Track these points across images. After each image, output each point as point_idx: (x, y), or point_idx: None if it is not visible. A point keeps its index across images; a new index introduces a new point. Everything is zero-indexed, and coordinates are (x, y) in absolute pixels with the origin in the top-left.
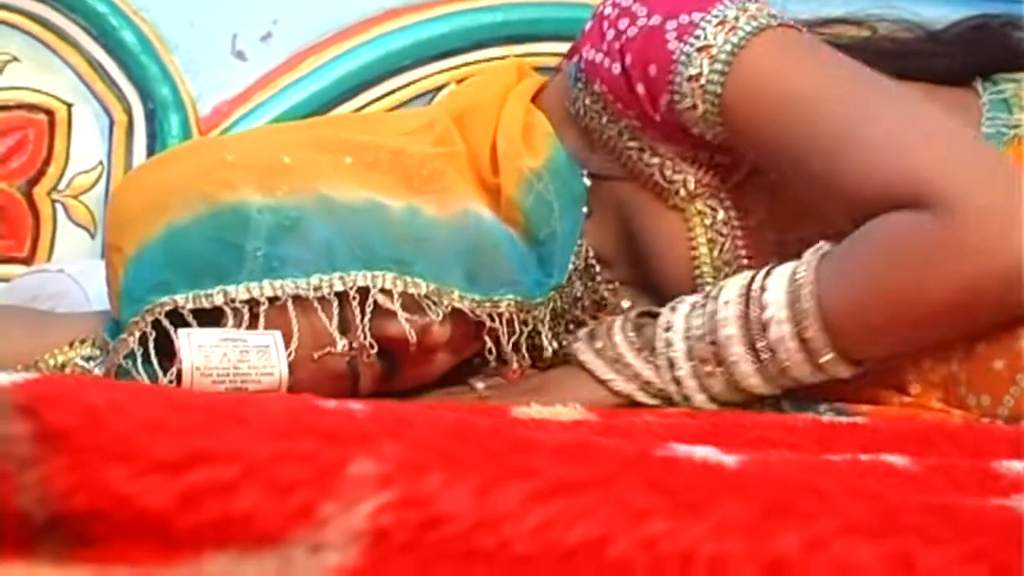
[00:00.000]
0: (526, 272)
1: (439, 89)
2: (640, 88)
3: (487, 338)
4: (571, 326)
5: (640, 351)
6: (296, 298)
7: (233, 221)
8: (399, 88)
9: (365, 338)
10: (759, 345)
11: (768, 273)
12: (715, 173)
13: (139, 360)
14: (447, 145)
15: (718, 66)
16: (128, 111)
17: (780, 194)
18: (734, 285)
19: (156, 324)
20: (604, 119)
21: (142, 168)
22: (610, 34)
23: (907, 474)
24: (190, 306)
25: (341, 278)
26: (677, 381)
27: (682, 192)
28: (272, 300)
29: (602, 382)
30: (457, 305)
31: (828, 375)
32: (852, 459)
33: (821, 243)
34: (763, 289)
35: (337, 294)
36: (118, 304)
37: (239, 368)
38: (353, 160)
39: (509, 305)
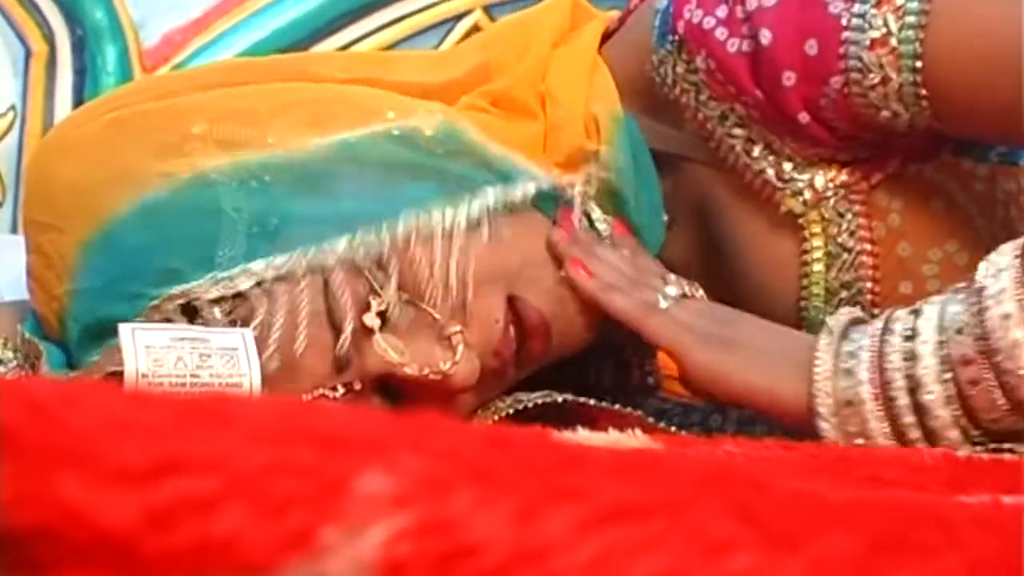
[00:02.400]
0: None
1: (460, 17)
2: (789, 78)
3: None
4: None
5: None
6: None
7: (209, 204)
8: (408, 15)
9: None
10: None
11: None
12: (855, 171)
13: None
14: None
15: (912, 19)
16: (49, 39)
17: (921, 195)
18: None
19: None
20: (703, 96)
21: (80, 123)
22: None
23: None
24: (212, 295)
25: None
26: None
27: (806, 195)
28: (313, 271)
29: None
30: None
31: None
32: (992, 502)
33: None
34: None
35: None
36: (62, 301)
37: (198, 376)
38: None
39: None
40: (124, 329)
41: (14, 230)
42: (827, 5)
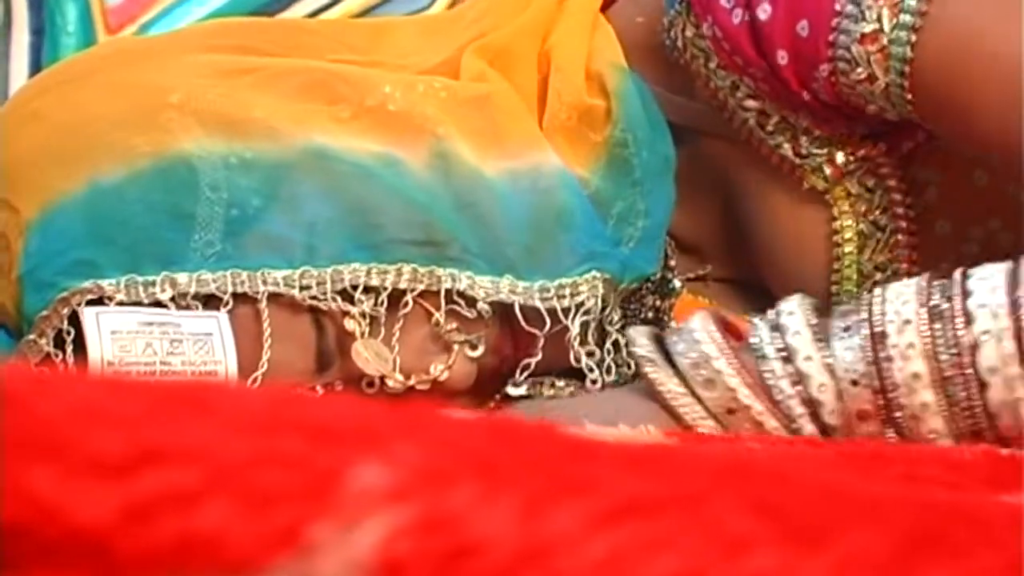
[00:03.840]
0: (605, 241)
1: None
2: (782, 56)
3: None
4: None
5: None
6: (274, 297)
7: (184, 181)
8: None
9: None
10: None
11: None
12: (878, 143)
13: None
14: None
15: (907, 19)
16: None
17: (961, 168)
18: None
19: (74, 319)
20: (713, 64)
21: (40, 91)
22: None
23: None
24: (121, 297)
25: (336, 272)
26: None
27: (826, 170)
28: (238, 298)
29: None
30: (511, 300)
31: None
32: None
33: None
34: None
35: (336, 293)
36: (16, 287)
37: (169, 363)
38: (353, 110)
39: (593, 284)
40: (88, 313)
41: None
42: None
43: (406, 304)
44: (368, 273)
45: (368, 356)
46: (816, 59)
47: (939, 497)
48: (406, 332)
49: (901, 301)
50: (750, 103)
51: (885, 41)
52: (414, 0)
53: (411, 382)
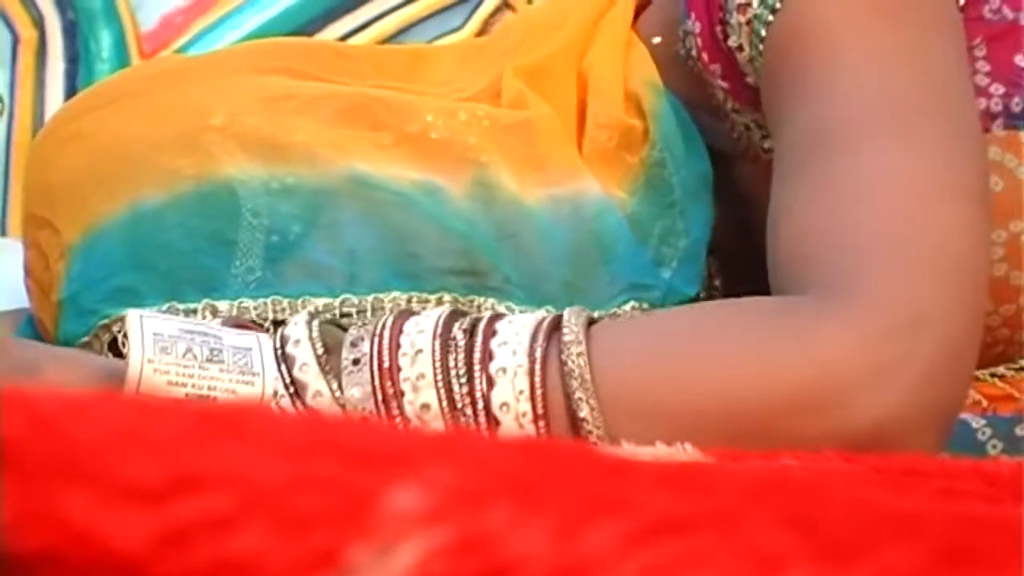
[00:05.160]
0: (647, 271)
1: None
2: (693, 21)
3: None
4: None
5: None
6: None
7: (226, 207)
8: None
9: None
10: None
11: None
12: None
13: None
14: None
15: None
16: (39, 24)
17: None
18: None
19: (113, 345)
20: (702, 69)
21: (82, 111)
22: None
23: None
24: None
25: (377, 300)
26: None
27: None
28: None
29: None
30: None
31: None
32: None
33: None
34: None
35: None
36: (56, 310)
37: (207, 369)
38: (394, 137)
39: (632, 315)
40: (132, 315)
41: (3, 231)
42: None
43: None
44: (408, 301)
45: None
46: (712, 22)
47: (975, 511)
48: None
49: (418, 330)
50: (734, 114)
51: (751, 13)
52: (447, 21)
53: None
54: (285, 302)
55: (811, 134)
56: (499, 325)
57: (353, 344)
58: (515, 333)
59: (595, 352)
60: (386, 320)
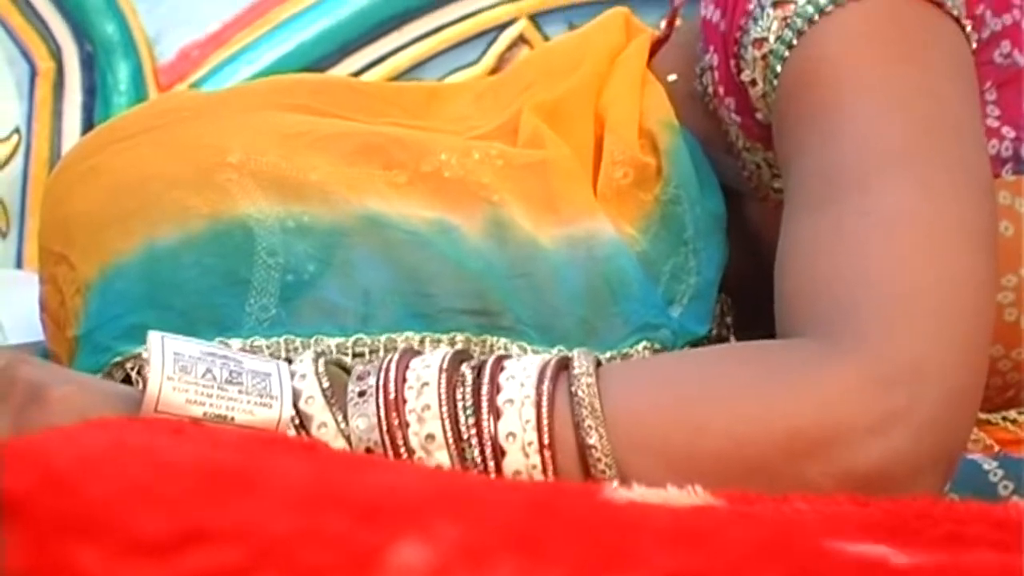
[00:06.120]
0: (659, 311)
1: (504, 26)
2: (711, 55)
3: None
4: None
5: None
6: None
7: (241, 245)
8: (447, 25)
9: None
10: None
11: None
12: None
13: None
14: (537, 149)
15: (788, 34)
16: (56, 56)
17: None
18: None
19: (127, 383)
20: (717, 105)
21: (98, 146)
22: None
23: None
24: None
25: (390, 340)
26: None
27: None
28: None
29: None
30: None
31: None
32: None
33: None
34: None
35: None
36: (71, 345)
37: (226, 390)
38: (408, 176)
39: (643, 356)
40: (153, 335)
41: (19, 264)
42: None
43: None
44: (421, 342)
45: None
46: (727, 55)
47: (984, 559)
48: None
49: (424, 365)
50: (746, 154)
51: (767, 48)
52: (462, 55)
53: None
54: (298, 341)
55: (820, 175)
56: (507, 363)
57: (359, 377)
58: (523, 368)
59: (604, 385)
60: (392, 356)
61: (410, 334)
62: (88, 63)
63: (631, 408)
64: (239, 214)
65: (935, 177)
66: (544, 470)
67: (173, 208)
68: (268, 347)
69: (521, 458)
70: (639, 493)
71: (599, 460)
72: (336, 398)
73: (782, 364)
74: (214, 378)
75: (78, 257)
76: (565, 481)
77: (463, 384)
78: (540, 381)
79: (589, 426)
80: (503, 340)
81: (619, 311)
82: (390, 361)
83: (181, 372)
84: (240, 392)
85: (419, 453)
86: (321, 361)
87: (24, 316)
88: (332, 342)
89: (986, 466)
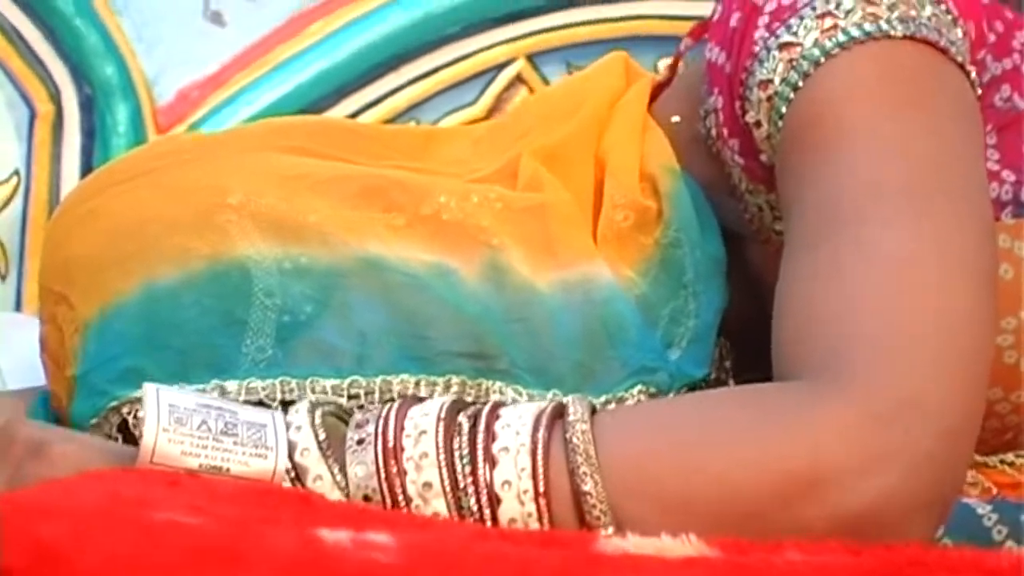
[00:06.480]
0: (656, 355)
1: (502, 67)
2: (715, 97)
3: None
4: None
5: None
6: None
7: (239, 286)
8: (443, 66)
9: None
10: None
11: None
12: None
13: None
14: (536, 192)
15: (794, 76)
16: (55, 98)
17: None
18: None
19: (124, 427)
20: (720, 147)
21: (97, 189)
22: (724, 15)
23: None
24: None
25: (385, 382)
26: None
27: None
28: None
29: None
30: None
31: None
32: None
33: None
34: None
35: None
36: (70, 384)
37: (221, 441)
38: (407, 218)
39: (639, 400)
40: (148, 387)
41: (18, 307)
42: (756, 28)
43: None
44: (417, 384)
45: None
46: (733, 97)
47: None
48: None
49: (422, 414)
50: (749, 197)
51: (772, 90)
52: (460, 96)
53: None
54: (294, 383)
55: (820, 214)
56: (503, 411)
57: (358, 425)
58: (518, 416)
59: (599, 432)
60: (392, 405)
61: (406, 376)
62: (87, 105)
63: (626, 454)
64: (238, 255)
65: (937, 214)
66: (540, 518)
67: (172, 250)
68: (263, 388)
69: (516, 506)
70: (633, 543)
71: (594, 507)
72: (332, 450)
73: (776, 407)
74: (209, 429)
75: (78, 297)
76: (559, 531)
77: (460, 433)
78: (535, 429)
79: (584, 472)
80: (498, 384)
81: (615, 355)
82: (389, 409)
83: (176, 424)
84: (235, 443)
85: (416, 501)
86: (318, 412)
87: (23, 358)
88: (327, 383)
89: (980, 510)
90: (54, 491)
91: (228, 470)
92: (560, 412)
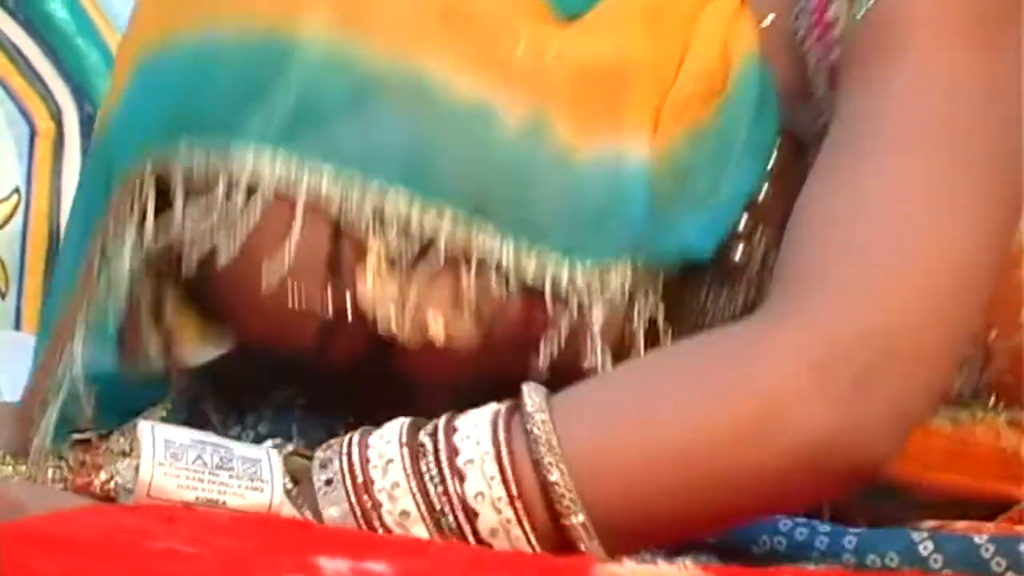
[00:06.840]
0: (658, 229)
1: None
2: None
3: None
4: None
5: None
6: (310, 205)
7: (280, 59)
8: None
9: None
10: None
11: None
12: None
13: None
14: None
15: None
16: (56, 117)
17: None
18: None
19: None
20: (809, 47)
21: None
22: None
23: None
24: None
25: (381, 192)
26: None
27: None
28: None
29: None
30: (543, 277)
31: None
32: None
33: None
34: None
35: (372, 211)
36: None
37: (217, 475)
38: (475, 50)
39: (623, 275)
40: (144, 424)
41: (17, 325)
42: None
43: (433, 251)
44: (410, 203)
45: (373, 286)
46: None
47: None
48: (421, 276)
49: (384, 442)
50: (823, 89)
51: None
52: None
53: (406, 332)
54: (293, 163)
55: (854, 128)
56: (457, 422)
57: (323, 465)
58: (474, 425)
59: (558, 419)
60: (351, 437)
61: (401, 188)
62: (88, 124)
63: (585, 436)
64: (294, 30)
65: (964, 158)
66: (519, 521)
67: (238, 6)
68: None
69: (493, 515)
70: (629, 569)
71: (563, 496)
72: (300, 493)
73: (723, 356)
74: (205, 464)
75: (136, 29)
76: (556, 558)
77: (425, 454)
78: (494, 432)
79: (549, 463)
80: (483, 236)
81: (616, 228)
82: (350, 442)
83: (172, 459)
84: (231, 477)
85: (396, 530)
86: (281, 457)
87: (23, 377)
88: (327, 177)
89: (977, 540)
90: (54, 522)
91: (224, 503)
92: (514, 408)
